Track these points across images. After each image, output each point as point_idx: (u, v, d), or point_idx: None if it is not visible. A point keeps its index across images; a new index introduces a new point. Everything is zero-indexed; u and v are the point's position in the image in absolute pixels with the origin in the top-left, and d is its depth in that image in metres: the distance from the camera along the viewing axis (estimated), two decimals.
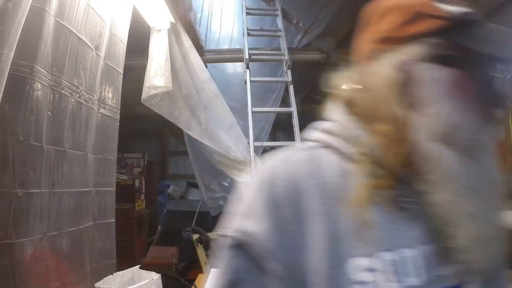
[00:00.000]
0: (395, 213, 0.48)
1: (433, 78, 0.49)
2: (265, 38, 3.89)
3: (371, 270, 0.45)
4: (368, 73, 0.52)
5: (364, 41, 0.56)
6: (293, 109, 3.12)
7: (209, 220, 4.08)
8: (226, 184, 3.93)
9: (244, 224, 0.49)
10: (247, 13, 3.68)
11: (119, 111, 2.11)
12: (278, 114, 4.19)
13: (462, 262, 0.47)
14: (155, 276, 1.72)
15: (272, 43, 3.87)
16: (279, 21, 3.67)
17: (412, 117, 0.48)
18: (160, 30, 2.71)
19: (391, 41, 0.51)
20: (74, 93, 1.65)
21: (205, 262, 3.11)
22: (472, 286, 0.49)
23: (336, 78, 0.57)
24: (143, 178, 4.78)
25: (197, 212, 4.19)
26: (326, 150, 0.53)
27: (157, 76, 2.59)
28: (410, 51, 0.50)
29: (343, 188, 0.49)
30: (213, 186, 3.94)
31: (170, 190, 6.31)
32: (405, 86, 0.49)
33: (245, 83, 3.19)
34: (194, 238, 3.16)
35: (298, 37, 3.96)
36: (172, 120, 2.90)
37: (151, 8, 2.47)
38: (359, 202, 0.47)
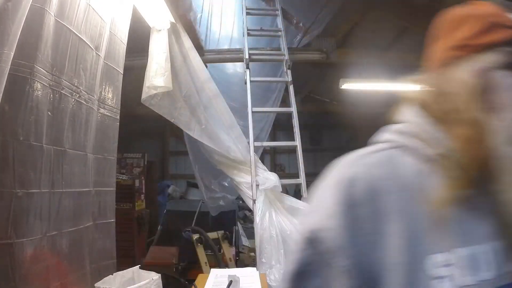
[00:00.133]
0: (468, 211, 0.52)
1: (510, 85, 0.52)
2: (265, 38, 3.90)
3: (447, 265, 0.49)
4: (446, 78, 0.56)
5: (439, 48, 0.59)
6: (293, 109, 3.13)
7: (209, 220, 4.08)
8: (226, 184, 3.93)
9: (318, 221, 0.53)
10: (247, 13, 3.69)
11: (119, 111, 2.11)
12: (278, 114, 4.19)
13: None
14: (155, 276, 1.71)
15: (272, 43, 3.88)
16: (279, 21, 3.68)
17: (490, 121, 0.51)
18: (160, 30, 2.70)
19: (468, 49, 0.55)
20: (74, 93, 1.65)
21: (205, 262, 3.11)
22: None
23: (408, 82, 0.61)
24: (143, 178, 4.79)
25: (197, 212, 4.19)
26: (397, 150, 0.56)
27: (157, 76, 2.59)
28: (487, 59, 0.53)
29: (422, 188, 0.52)
30: (213, 186, 3.94)
31: (170, 190, 6.33)
32: (483, 92, 0.52)
33: (245, 83, 3.19)
34: (194, 238, 3.16)
35: (298, 37, 3.96)
36: (172, 120, 2.90)
37: (151, 8, 2.46)
38: (441, 202, 0.50)
